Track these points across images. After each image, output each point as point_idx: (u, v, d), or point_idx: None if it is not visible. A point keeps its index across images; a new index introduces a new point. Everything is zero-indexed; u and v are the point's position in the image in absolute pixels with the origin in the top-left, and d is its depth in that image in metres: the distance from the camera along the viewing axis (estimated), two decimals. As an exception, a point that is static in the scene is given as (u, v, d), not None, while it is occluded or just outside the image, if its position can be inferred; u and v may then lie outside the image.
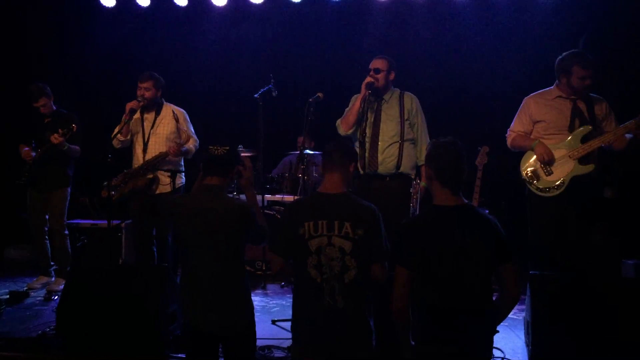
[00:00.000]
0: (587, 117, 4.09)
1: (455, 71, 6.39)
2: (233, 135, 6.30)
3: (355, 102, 4.27)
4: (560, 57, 4.18)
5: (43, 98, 5.21)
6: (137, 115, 4.87)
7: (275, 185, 6.09)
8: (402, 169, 4.28)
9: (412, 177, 4.33)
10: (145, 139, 4.83)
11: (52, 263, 5.36)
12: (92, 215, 6.03)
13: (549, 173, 4.11)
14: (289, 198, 5.92)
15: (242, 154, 6.07)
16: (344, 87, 4.94)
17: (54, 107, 5.31)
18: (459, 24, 6.31)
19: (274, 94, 5.34)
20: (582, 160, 4.05)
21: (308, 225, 2.80)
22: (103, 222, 5.56)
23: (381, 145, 4.25)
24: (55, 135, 4.91)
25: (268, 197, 5.93)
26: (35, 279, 5.33)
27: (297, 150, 6.21)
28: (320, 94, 4.51)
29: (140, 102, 4.76)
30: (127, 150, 4.98)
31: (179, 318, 3.74)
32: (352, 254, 2.76)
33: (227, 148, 3.06)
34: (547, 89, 4.27)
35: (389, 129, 4.28)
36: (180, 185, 4.92)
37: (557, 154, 4.09)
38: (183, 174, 4.96)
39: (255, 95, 5.26)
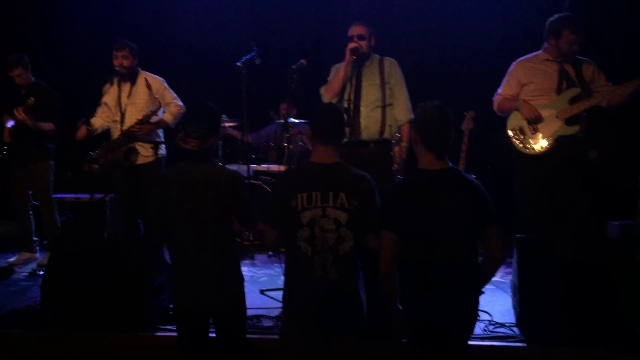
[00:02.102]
0: (574, 80, 4.12)
1: (440, 37, 6.34)
2: (217, 107, 6.20)
3: (340, 69, 4.21)
4: (552, 18, 4.18)
5: (19, 68, 5.08)
6: (113, 85, 4.77)
7: (261, 154, 6.05)
8: (385, 135, 4.25)
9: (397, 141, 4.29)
10: (122, 109, 4.74)
11: (35, 239, 5.30)
12: (75, 189, 5.94)
13: (535, 131, 4.14)
14: (274, 168, 5.89)
15: (227, 124, 6.02)
16: (327, 54, 4.90)
17: (32, 79, 5.18)
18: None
19: (257, 61, 5.25)
20: (568, 121, 4.08)
21: (301, 196, 2.74)
22: (86, 196, 5.49)
23: (364, 110, 4.20)
24: (18, 111, 4.81)
25: (254, 166, 5.90)
26: (17, 256, 5.27)
27: (280, 119, 6.16)
28: (303, 61, 4.44)
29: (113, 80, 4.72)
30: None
31: (166, 290, 3.72)
32: (348, 225, 2.72)
33: (203, 127, 2.95)
34: (535, 53, 4.28)
35: (370, 95, 4.23)
36: (161, 156, 4.84)
37: (544, 113, 4.11)
38: (163, 145, 4.89)
39: (238, 63, 5.17)
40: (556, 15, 4.17)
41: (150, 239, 3.83)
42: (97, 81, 4.90)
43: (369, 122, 4.20)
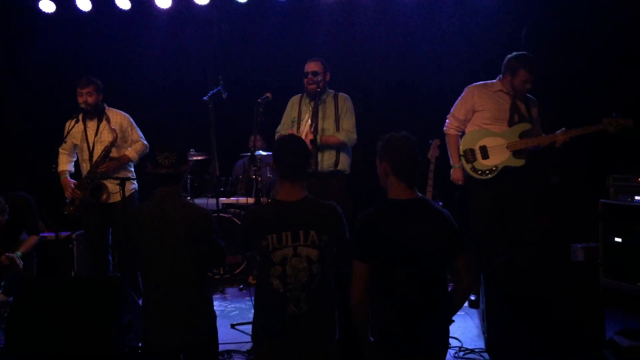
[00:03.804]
0: (525, 116, 4.35)
1: (404, 67, 6.45)
2: (184, 139, 6.19)
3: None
4: (510, 55, 4.40)
5: None
6: (79, 123, 4.75)
7: (230, 187, 6.04)
8: (339, 167, 4.52)
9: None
10: (90, 148, 4.72)
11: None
12: (41, 228, 5.83)
13: (486, 157, 4.35)
14: (243, 200, 5.89)
15: (194, 158, 6.01)
16: (292, 86, 4.94)
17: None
18: (403, 22, 6.37)
19: (223, 95, 5.28)
20: (516, 154, 4.30)
21: (271, 237, 2.73)
22: (52, 235, 5.39)
23: (320, 144, 4.39)
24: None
25: (223, 200, 5.89)
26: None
27: (248, 152, 6.17)
28: (268, 94, 4.52)
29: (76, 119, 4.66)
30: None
31: (134, 329, 3.66)
32: (319, 261, 2.74)
33: (175, 154, 3.00)
34: (490, 81, 4.46)
35: (326, 128, 4.49)
36: (132, 192, 4.82)
37: (495, 141, 4.33)
38: (135, 180, 4.87)
39: (205, 98, 5.20)
40: (515, 54, 4.38)
41: (118, 277, 3.78)
42: (60, 116, 4.86)
43: (324, 155, 4.44)
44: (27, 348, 3.54)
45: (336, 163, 4.51)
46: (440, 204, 4.67)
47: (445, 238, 2.73)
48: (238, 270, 5.52)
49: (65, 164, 4.89)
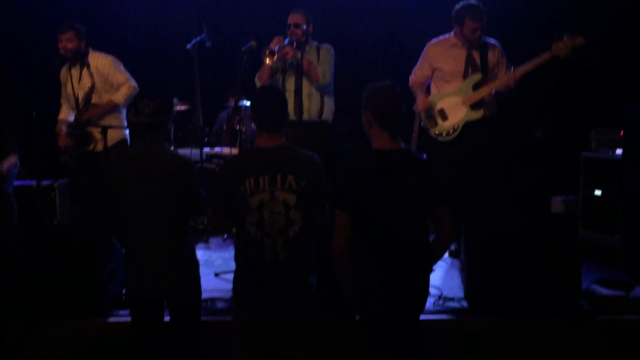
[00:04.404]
0: (479, 66, 4.32)
1: (390, 19, 6.33)
2: (167, 88, 6.11)
3: (264, 63, 4.37)
4: (457, 5, 4.37)
5: None
6: (64, 70, 4.66)
7: (214, 138, 6.00)
8: (324, 117, 4.51)
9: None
10: (75, 95, 4.63)
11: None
12: (22, 176, 5.78)
13: (445, 119, 4.37)
14: (227, 151, 5.86)
15: (178, 107, 5.93)
16: (278, 34, 4.84)
17: None
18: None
19: (207, 44, 5.19)
20: (473, 107, 4.30)
21: (249, 182, 2.73)
22: (33, 183, 5.34)
23: (305, 94, 4.40)
24: None
25: (207, 150, 5.85)
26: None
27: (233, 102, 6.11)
28: (253, 42, 4.44)
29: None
30: (55, 104, 4.78)
31: (118, 276, 3.69)
32: (297, 207, 2.74)
33: (157, 102, 2.96)
34: (447, 35, 4.47)
35: (309, 80, 4.45)
36: (118, 140, 4.69)
37: (452, 101, 4.35)
38: (123, 129, 4.75)
39: (188, 46, 5.10)
40: (460, 3, 4.35)
41: (100, 226, 3.78)
42: (42, 65, 4.76)
43: (309, 105, 4.43)
44: (12, 297, 3.54)
45: (320, 113, 4.50)
46: (425, 156, 4.68)
47: (427, 189, 2.75)
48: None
49: (64, 113, 4.82)
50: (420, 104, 4.43)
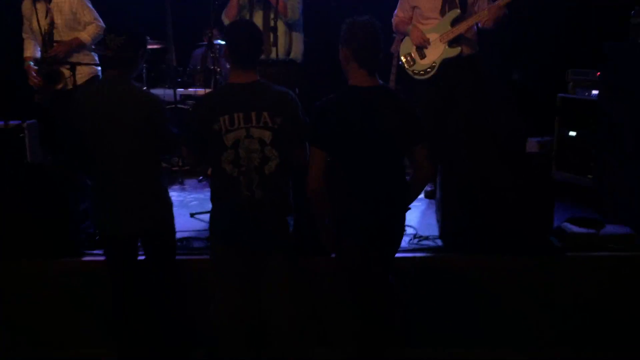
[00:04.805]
0: (457, 2, 4.21)
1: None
2: (136, 24, 5.90)
3: None
4: None
5: None
6: (27, 4, 4.47)
7: (187, 78, 5.87)
8: (292, 55, 4.37)
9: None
10: (43, 31, 4.46)
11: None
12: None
13: (423, 56, 4.29)
14: (201, 92, 5.74)
15: (150, 47, 5.75)
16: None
17: None
18: None
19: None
20: (450, 43, 4.22)
21: (223, 119, 2.68)
22: (1, 124, 5.20)
23: (268, 31, 4.20)
24: None
25: (181, 91, 5.72)
26: None
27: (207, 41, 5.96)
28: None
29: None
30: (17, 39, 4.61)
31: (91, 216, 3.64)
32: (272, 144, 2.70)
33: (124, 37, 2.86)
34: None
35: (275, 15, 4.26)
36: (88, 77, 4.56)
37: (430, 37, 4.24)
38: (95, 66, 4.61)
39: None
40: None
41: (73, 164, 3.70)
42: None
43: (278, 42, 4.24)
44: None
45: (288, 51, 4.35)
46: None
47: (405, 125, 2.73)
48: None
49: (30, 50, 4.63)
50: (414, 36, 4.25)
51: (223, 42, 5.37)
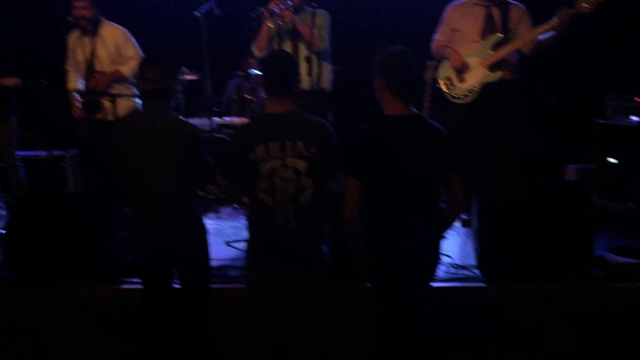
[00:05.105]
0: (498, 25, 4.17)
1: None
2: (176, 57, 6.04)
3: (262, 27, 4.32)
4: None
5: None
6: (78, 39, 4.65)
7: (223, 108, 5.97)
8: (321, 84, 4.44)
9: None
10: (87, 63, 4.61)
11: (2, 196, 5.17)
12: (33, 146, 5.79)
13: (462, 80, 4.24)
14: (237, 121, 5.83)
15: (187, 77, 5.89)
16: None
17: None
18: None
19: (216, 12, 5.14)
20: (492, 68, 4.16)
21: (259, 149, 2.71)
22: (45, 154, 5.36)
23: (301, 61, 4.29)
24: None
25: (217, 120, 5.82)
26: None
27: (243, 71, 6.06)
28: (264, 11, 4.37)
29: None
30: (64, 74, 4.76)
31: (129, 243, 3.70)
32: (307, 173, 2.72)
33: (160, 68, 2.92)
34: None
35: (305, 45, 4.37)
36: (131, 109, 4.67)
37: (470, 62, 4.21)
38: (135, 98, 4.72)
39: (197, 14, 5.05)
40: None
41: (113, 193, 3.78)
42: (46, 34, 4.72)
43: (304, 72, 4.30)
44: (25, 263, 3.59)
45: (317, 80, 4.40)
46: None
47: (439, 154, 2.72)
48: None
49: (73, 82, 4.79)
50: (453, 60, 4.23)
51: (258, 72, 5.49)
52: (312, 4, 4.30)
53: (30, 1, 6.32)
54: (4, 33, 5.05)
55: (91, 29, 4.62)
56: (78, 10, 4.54)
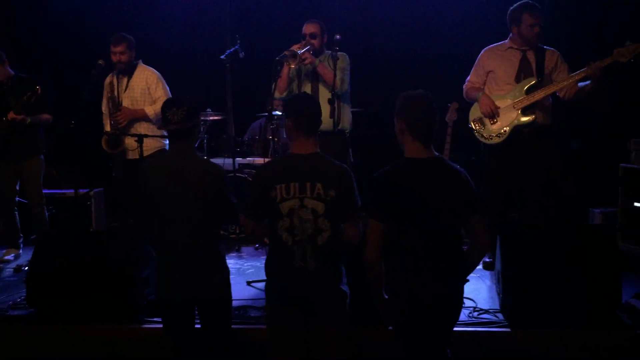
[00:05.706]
0: (533, 68, 4.21)
1: (423, 28, 6.34)
2: (201, 98, 6.17)
3: (283, 69, 4.45)
4: (511, 7, 4.28)
5: None
6: (110, 79, 4.83)
7: (246, 148, 6.04)
8: (341, 126, 4.50)
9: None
10: (118, 101, 4.77)
11: (21, 235, 5.24)
12: (59, 185, 5.90)
13: (494, 122, 4.25)
14: (259, 161, 5.88)
15: (211, 118, 6.00)
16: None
17: (12, 72, 5.08)
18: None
19: (240, 55, 5.25)
20: (524, 111, 4.17)
21: (280, 188, 2.76)
22: (71, 192, 5.46)
23: (321, 103, 4.29)
24: (13, 114, 4.68)
25: (239, 160, 5.89)
26: (3, 252, 5.22)
27: (266, 113, 6.15)
28: (287, 53, 4.47)
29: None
30: (94, 115, 4.87)
31: (153, 283, 3.72)
32: (325, 215, 2.74)
33: (184, 109, 2.98)
34: (502, 42, 4.37)
35: (325, 87, 4.47)
36: (155, 150, 4.80)
37: (502, 103, 4.23)
38: (162, 139, 4.82)
39: (222, 57, 5.17)
40: (514, 4, 4.26)
41: (137, 232, 3.82)
42: (78, 76, 4.85)
43: (325, 113, 4.28)
44: (47, 300, 3.62)
45: (337, 122, 4.44)
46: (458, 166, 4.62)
47: (461, 196, 2.71)
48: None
49: (108, 125, 4.93)
50: (483, 105, 4.26)
51: (280, 113, 5.57)
52: (334, 47, 4.37)
53: (69, 41, 6.53)
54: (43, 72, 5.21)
55: (128, 71, 4.82)
56: (116, 56, 4.72)
